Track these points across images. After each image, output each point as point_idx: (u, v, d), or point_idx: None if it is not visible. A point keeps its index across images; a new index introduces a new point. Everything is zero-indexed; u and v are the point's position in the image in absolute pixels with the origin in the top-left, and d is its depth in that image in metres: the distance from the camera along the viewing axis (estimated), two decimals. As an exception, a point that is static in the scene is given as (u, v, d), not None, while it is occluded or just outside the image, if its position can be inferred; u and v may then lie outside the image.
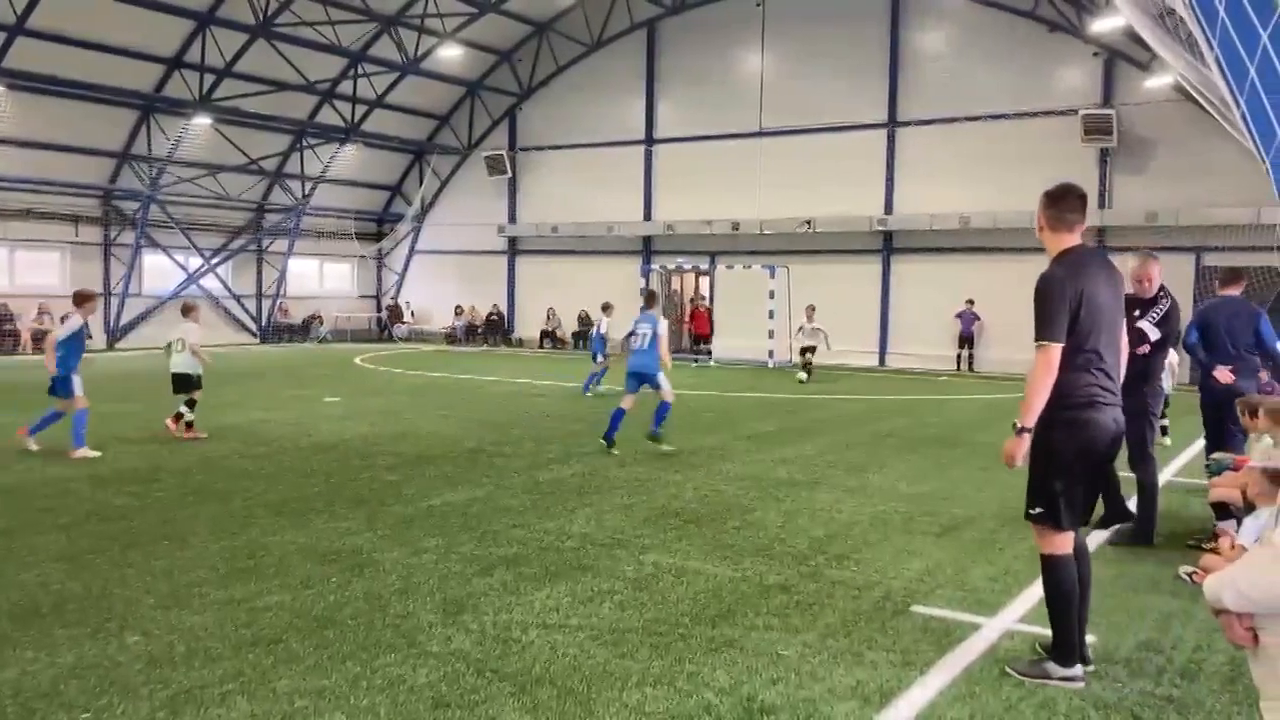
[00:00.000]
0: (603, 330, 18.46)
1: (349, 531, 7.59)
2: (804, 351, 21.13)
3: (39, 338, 27.04)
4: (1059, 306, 4.60)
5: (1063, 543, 4.80)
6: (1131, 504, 7.29)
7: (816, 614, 5.80)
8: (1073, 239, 4.83)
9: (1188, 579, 6.50)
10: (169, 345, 12.37)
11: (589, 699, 4.52)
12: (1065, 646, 4.80)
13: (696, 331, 26.81)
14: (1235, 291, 8.77)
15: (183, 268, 30.57)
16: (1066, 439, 4.69)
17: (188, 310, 13.14)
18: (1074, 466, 4.71)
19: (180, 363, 12.26)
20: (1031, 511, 4.83)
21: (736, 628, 5.53)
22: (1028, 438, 4.67)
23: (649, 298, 12.22)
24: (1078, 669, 4.80)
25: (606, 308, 18.61)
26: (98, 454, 10.69)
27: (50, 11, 22.59)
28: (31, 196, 26.79)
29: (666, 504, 8.77)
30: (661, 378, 11.60)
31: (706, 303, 26.87)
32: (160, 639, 5.19)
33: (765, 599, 6.06)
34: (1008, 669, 4.92)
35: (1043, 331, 4.62)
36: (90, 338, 10.84)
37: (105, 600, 5.84)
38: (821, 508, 8.75)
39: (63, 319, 11.18)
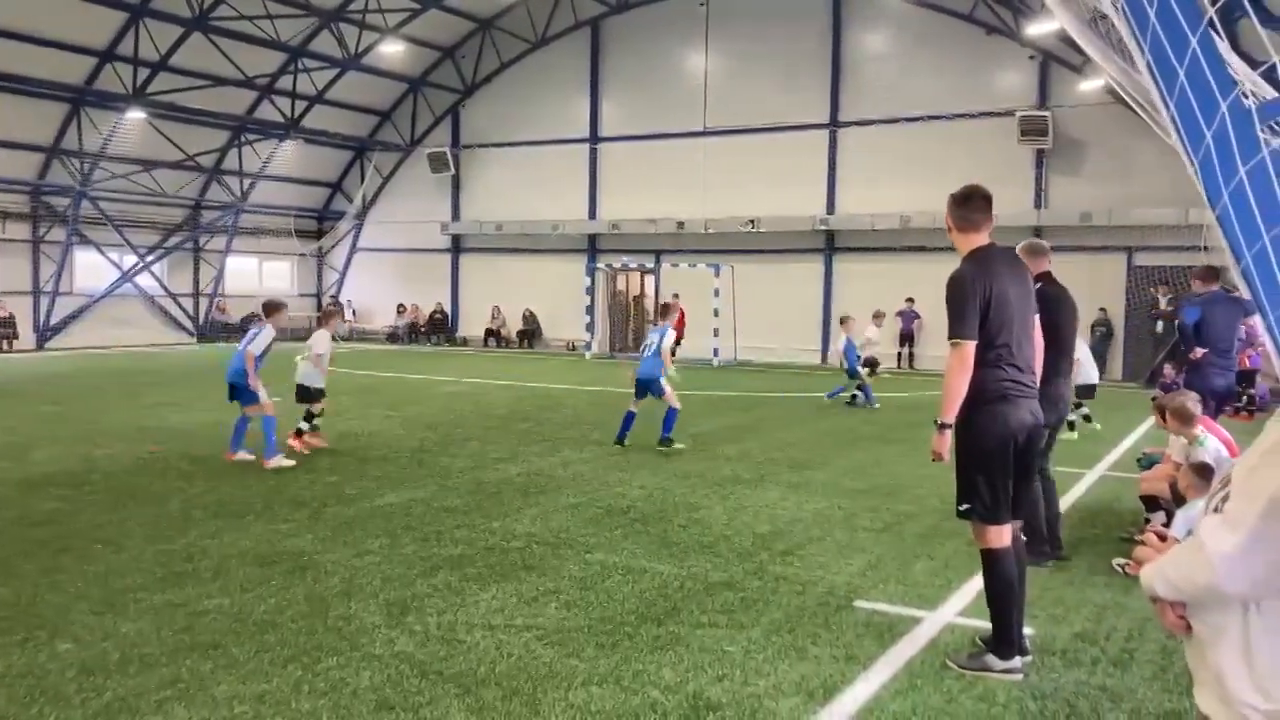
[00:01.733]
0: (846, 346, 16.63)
1: (290, 533, 7.48)
2: (869, 365, 18.84)
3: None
4: (970, 305, 4.73)
5: (998, 536, 4.88)
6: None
7: (761, 610, 5.84)
8: (980, 239, 4.97)
9: (1121, 570, 6.67)
10: (302, 353, 11.74)
11: (535, 699, 4.51)
12: (1005, 640, 4.88)
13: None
14: (1215, 287, 9.16)
15: (117, 266, 29.84)
16: (984, 433, 4.82)
17: (326, 317, 12.72)
18: (994, 460, 4.83)
19: (301, 373, 11.59)
20: (961, 508, 4.94)
21: (682, 625, 5.54)
22: (949, 433, 4.83)
23: (663, 310, 12.65)
24: (1017, 661, 4.88)
25: (844, 320, 17.22)
26: (292, 463, 10.25)
27: (-25, 1, 21.95)
28: (-45, 192, 26.00)
29: (613, 503, 8.77)
30: (665, 385, 11.78)
31: (679, 301, 26.70)
32: (93, 646, 5.07)
33: (710, 596, 6.09)
34: (948, 661, 4.99)
35: (955, 329, 4.77)
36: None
37: (35, 607, 5.68)
38: (766, 505, 8.81)
39: (253, 331, 10.61)
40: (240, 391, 10.39)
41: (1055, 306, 6.57)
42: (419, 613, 5.66)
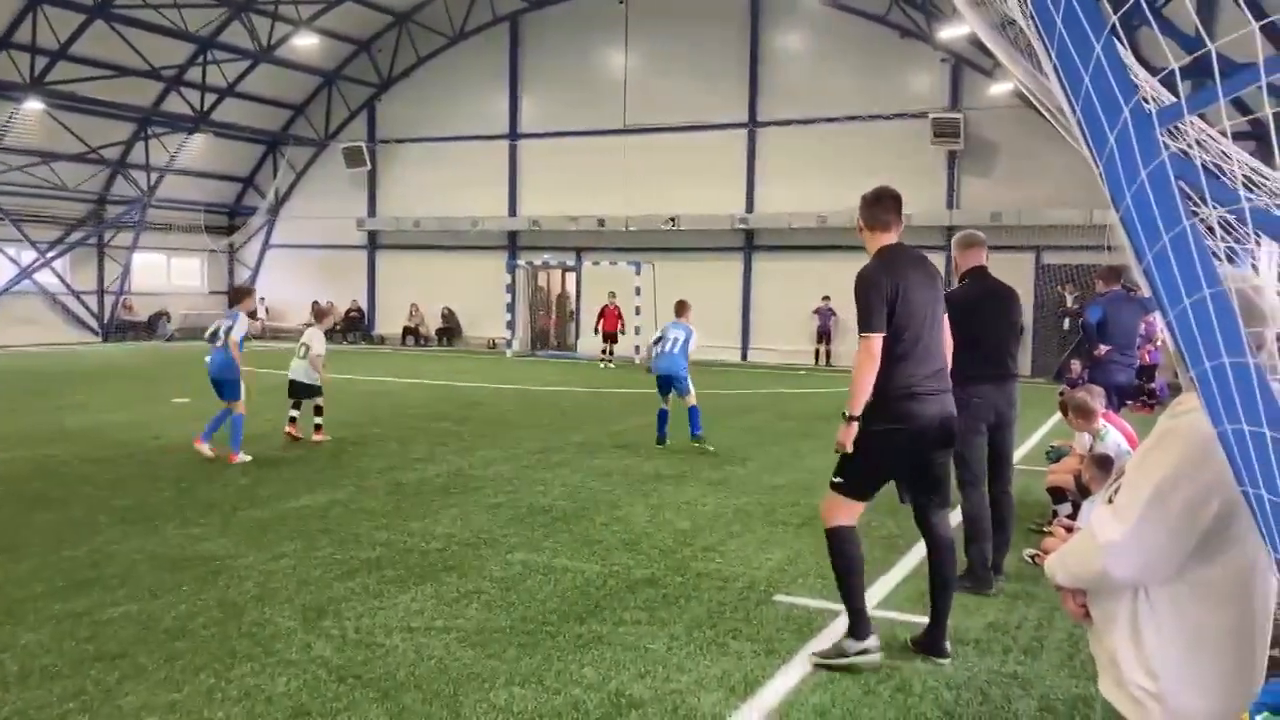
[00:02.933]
0: None
1: (201, 537, 7.27)
2: None
3: None
4: (876, 300, 4.83)
5: (848, 514, 4.98)
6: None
7: (683, 607, 5.87)
8: (889, 238, 5.07)
9: (1030, 560, 6.86)
10: (297, 348, 12.02)
11: (456, 701, 4.46)
12: (855, 620, 4.94)
13: (607, 329, 26.61)
14: (1116, 287, 9.42)
15: (14, 262, 28.63)
16: (882, 428, 4.85)
17: (319, 315, 13.02)
18: (885, 454, 4.91)
19: (295, 369, 11.85)
20: (834, 480, 5.01)
21: (605, 623, 5.54)
22: (855, 425, 4.86)
23: (679, 306, 12.51)
24: (871, 641, 4.91)
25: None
26: (250, 458, 10.21)
27: None
28: None
29: (534, 502, 8.73)
30: (689, 383, 11.85)
31: (616, 300, 26.66)
32: (-9, 658, 4.86)
33: (633, 593, 6.11)
34: (811, 656, 5.00)
35: (864, 323, 4.86)
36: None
37: (-72, 619, 5.43)
38: (687, 501, 8.86)
39: (225, 322, 10.39)
40: (225, 386, 10.36)
41: (983, 301, 6.42)
42: (336, 617, 5.56)
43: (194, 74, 28.21)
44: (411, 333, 31.82)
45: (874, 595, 6.17)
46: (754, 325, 28.07)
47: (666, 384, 11.92)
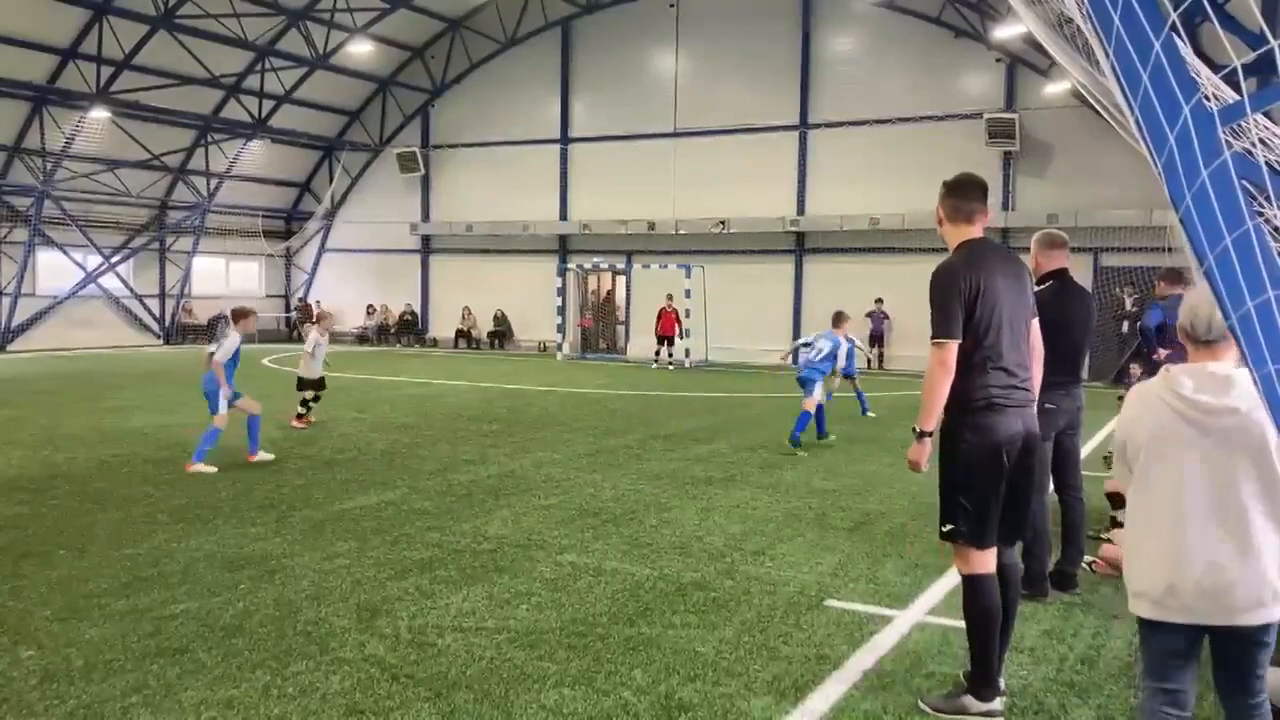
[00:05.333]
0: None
1: (258, 537, 7.40)
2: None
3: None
4: (953, 301, 4.28)
5: (981, 561, 4.40)
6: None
7: (733, 610, 5.85)
8: (973, 231, 4.51)
9: (1089, 568, 6.73)
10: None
11: (506, 702, 4.49)
12: (984, 678, 4.43)
13: (664, 332, 26.69)
14: (1180, 290, 9.22)
15: (81, 266, 29.40)
16: (968, 448, 4.34)
17: (318, 319, 14.61)
18: (981, 477, 4.34)
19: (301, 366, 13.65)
20: (944, 530, 4.45)
21: (654, 626, 5.54)
22: (929, 442, 4.41)
23: (836, 318, 13.01)
24: (997, 704, 4.43)
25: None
26: (214, 469, 10.04)
27: (-66, -2, 21.57)
28: (-86, 191, 25.52)
29: (584, 504, 8.75)
30: (817, 389, 12.13)
31: (673, 302, 26.74)
32: (57, 652, 4.99)
33: (682, 597, 6.10)
34: (920, 703, 4.54)
35: (937, 328, 4.31)
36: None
37: (-3, 613, 5.59)
38: (737, 505, 8.83)
39: (218, 337, 10.85)
40: (209, 398, 10.33)
41: (1066, 306, 6.14)
42: (389, 616, 5.62)
43: (252, 81, 28.78)
44: (464, 336, 32.10)
45: (928, 601, 6.11)
46: (805, 328, 27.86)
47: (800, 383, 12.32)
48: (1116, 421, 3.30)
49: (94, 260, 29.71)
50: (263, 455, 10.69)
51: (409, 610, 5.73)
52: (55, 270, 29.03)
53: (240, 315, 10.67)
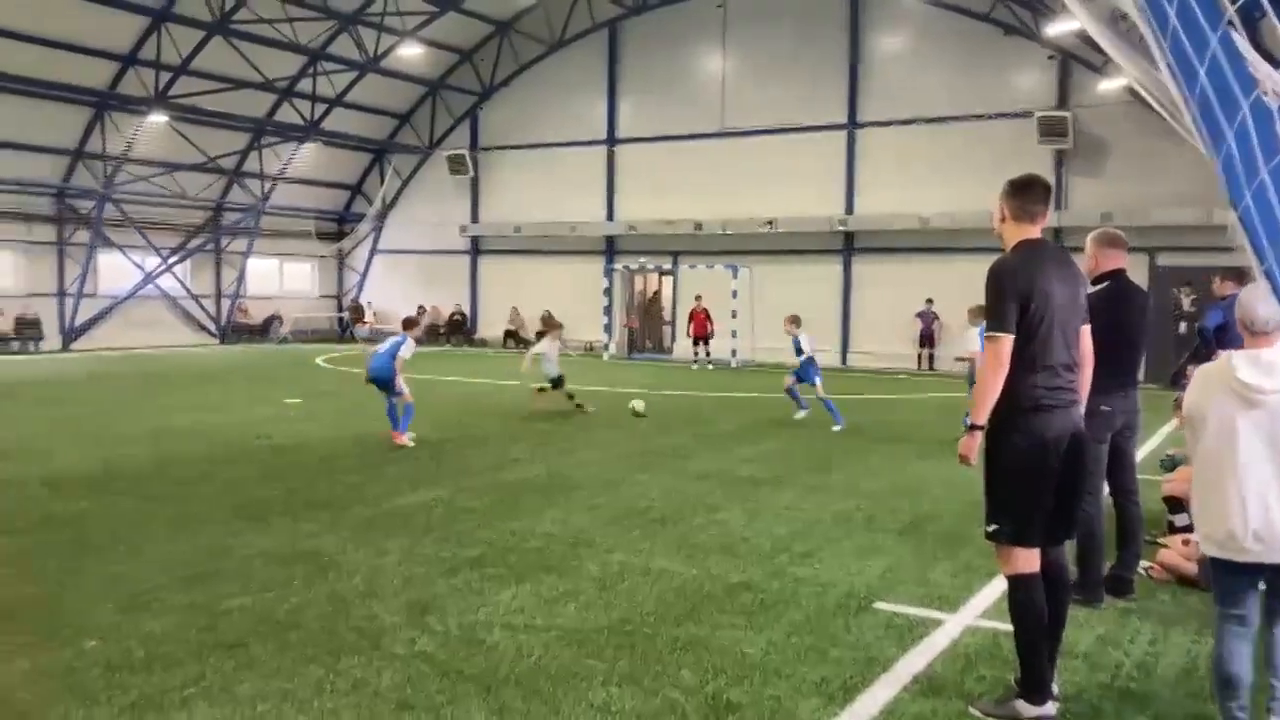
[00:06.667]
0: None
1: (311, 534, 7.52)
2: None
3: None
4: (1010, 297, 4.35)
5: (1026, 561, 4.41)
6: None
7: (781, 612, 5.84)
8: (1033, 231, 4.59)
9: (1145, 574, 6.60)
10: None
11: (555, 699, 4.52)
12: (1034, 681, 4.39)
13: (696, 333, 26.74)
14: (1238, 290, 9.02)
15: (140, 267, 30.07)
16: (1015, 448, 4.38)
17: (549, 326, 16.29)
18: (1027, 476, 4.37)
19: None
20: (989, 529, 4.47)
21: (702, 626, 5.55)
22: (979, 435, 4.42)
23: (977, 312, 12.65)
24: (1049, 707, 4.40)
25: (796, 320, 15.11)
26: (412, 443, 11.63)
27: (1, 7, 22.13)
28: (-18, 195, 26.22)
29: (631, 504, 8.78)
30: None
31: (703, 303, 26.78)
32: (118, 644, 5.12)
33: (730, 597, 6.09)
34: (971, 708, 4.52)
35: (992, 322, 4.39)
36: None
37: (60, 606, 5.74)
38: (785, 506, 8.80)
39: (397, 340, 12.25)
40: (385, 384, 11.87)
41: (1123, 306, 6.05)
42: (439, 613, 5.69)
43: (305, 85, 29.23)
44: (512, 335, 32.31)
45: (979, 604, 6.04)
46: (853, 328, 27.69)
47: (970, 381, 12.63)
48: (1186, 397, 4.14)
49: (152, 261, 30.36)
50: (408, 437, 11.80)
51: (458, 607, 5.79)
52: (115, 271, 29.72)
53: (409, 323, 12.83)
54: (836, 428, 13.72)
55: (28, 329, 27.46)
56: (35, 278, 28.06)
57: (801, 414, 14.66)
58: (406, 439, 11.78)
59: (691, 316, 26.67)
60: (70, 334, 28.46)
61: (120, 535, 7.39)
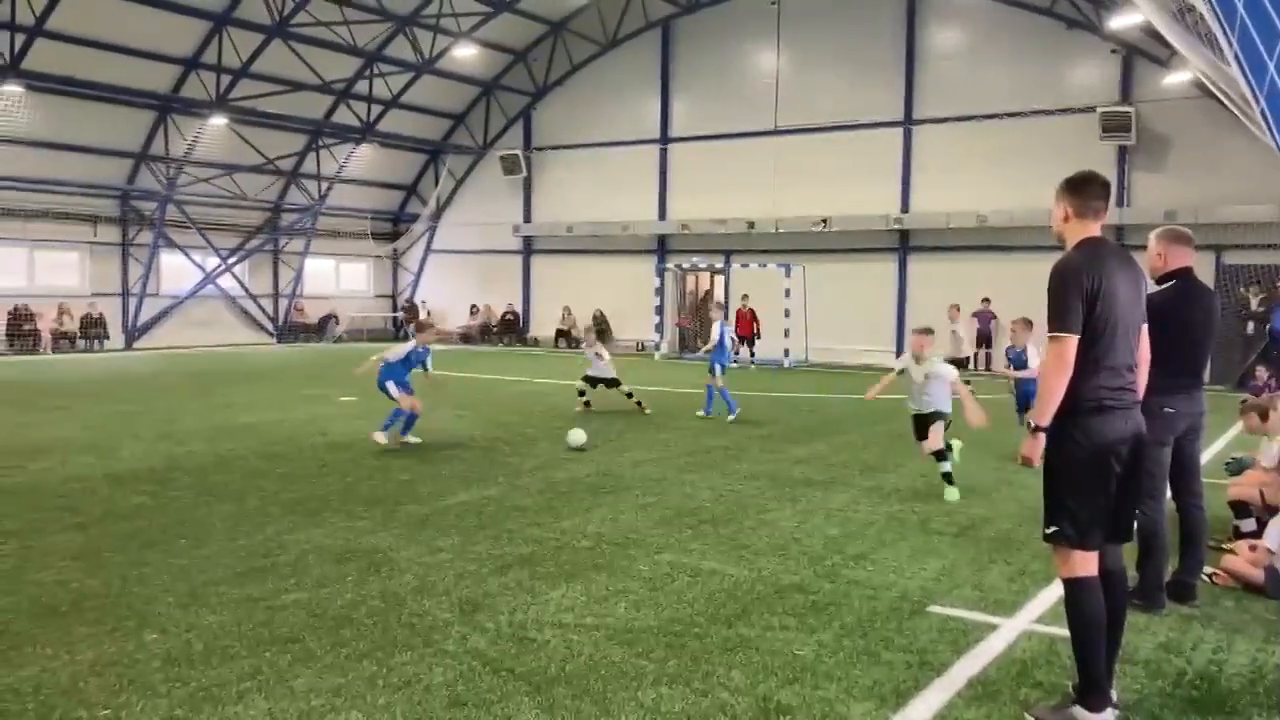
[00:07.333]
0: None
1: (365, 530, 7.62)
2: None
3: (59, 338, 27.29)
4: (1074, 296, 4.25)
5: (1084, 564, 4.32)
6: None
7: (833, 614, 5.78)
8: (1093, 229, 4.48)
9: (1209, 579, 6.44)
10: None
11: (605, 698, 4.52)
12: (1093, 688, 4.28)
13: (740, 333, 26.64)
14: None
15: (200, 267, 30.71)
16: (1076, 450, 4.30)
17: (600, 333, 16.64)
18: (1088, 478, 4.30)
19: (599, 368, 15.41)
20: (1048, 531, 4.39)
21: (752, 627, 5.51)
22: (1043, 437, 4.33)
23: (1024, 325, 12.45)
24: (1108, 715, 4.30)
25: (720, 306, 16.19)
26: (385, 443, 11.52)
27: (68, 13, 22.72)
28: (49, 197, 26.91)
29: (682, 504, 8.76)
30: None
31: (749, 303, 26.66)
32: (178, 637, 5.23)
33: (781, 599, 6.05)
34: (1027, 715, 4.45)
35: (1055, 322, 4.27)
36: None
37: (123, 598, 5.87)
38: (837, 507, 8.72)
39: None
40: (381, 386, 11.99)
41: (1188, 305, 5.90)
42: (490, 610, 5.72)
43: (361, 87, 29.66)
44: (564, 335, 32.43)
45: (1036, 609, 5.93)
46: (909, 328, 27.35)
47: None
48: None
49: (212, 261, 30.99)
50: (410, 439, 11.84)
51: (509, 605, 5.82)
52: (176, 271, 30.38)
53: (420, 327, 12.91)
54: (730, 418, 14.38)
55: (93, 328, 28.17)
56: (100, 278, 28.81)
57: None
58: (382, 438, 11.50)
59: (737, 317, 26.55)
60: (133, 333, 29.15)
61: (180, 530, 7.55)
